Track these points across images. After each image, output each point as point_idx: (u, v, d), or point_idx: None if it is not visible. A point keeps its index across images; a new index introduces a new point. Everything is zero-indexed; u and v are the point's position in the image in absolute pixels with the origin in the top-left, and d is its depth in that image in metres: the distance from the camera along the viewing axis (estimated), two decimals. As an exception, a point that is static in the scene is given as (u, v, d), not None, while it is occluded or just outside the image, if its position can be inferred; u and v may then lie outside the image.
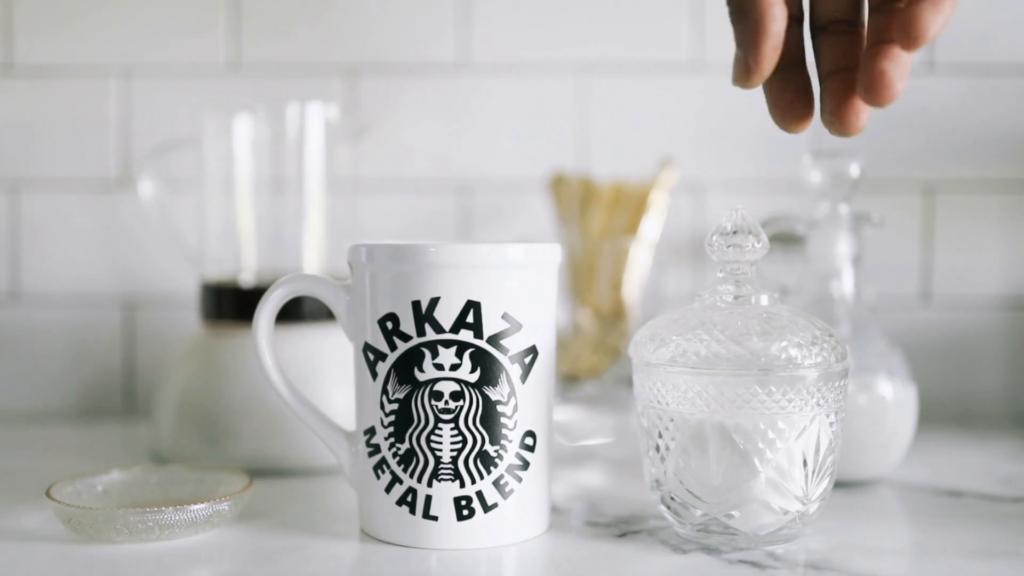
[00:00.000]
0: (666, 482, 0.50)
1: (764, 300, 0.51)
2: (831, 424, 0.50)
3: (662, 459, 0.50)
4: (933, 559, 0.49)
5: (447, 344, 0.50)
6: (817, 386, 0.49)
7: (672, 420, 0.50)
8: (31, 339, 0.87)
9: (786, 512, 0.49)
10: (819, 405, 0.49)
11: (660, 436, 0.50)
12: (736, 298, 0.51)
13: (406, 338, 0.50)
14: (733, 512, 0.49)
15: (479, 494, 0.50)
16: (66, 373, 0.88)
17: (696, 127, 0.87)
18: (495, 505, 0.51)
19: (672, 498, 0.51)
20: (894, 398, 0.63)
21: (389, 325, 0.50)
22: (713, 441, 0.49)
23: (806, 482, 0.49)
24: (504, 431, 0.50)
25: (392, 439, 0.51)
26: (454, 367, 0.50)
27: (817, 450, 0.49)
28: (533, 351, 0.51)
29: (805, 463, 0.49)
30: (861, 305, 0.64)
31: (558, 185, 0.82)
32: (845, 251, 0.64)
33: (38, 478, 0.63)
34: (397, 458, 0.51)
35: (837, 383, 0.50)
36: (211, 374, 0.68)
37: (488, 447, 0.50)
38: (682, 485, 0.50)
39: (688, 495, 0.50)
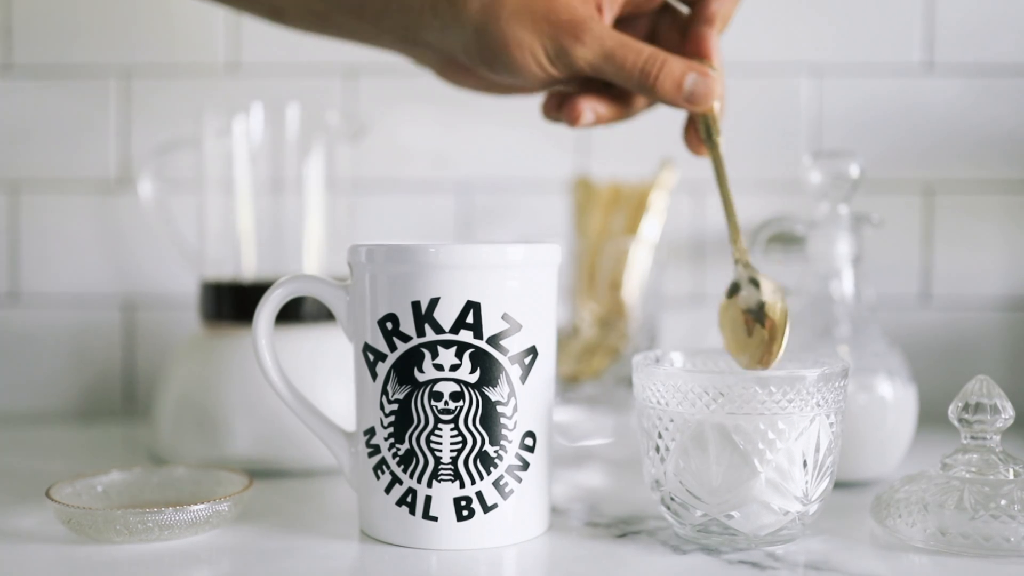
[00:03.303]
0: (666, 482, 0.50)
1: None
2: (831, 424, 0.50)
3: (662, 459, 0.50)
4: (934, 559, 0.49)
5: (447, 344, 0.50)
6: (817, 386, 0.49)
7: (672, 421, 0.50)
8: (31, 339, 0.87)
9: (786, 512, 0.49)
10: (819, 405, 0.49)
11: (660, 436, 0.50)
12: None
13: (406, 338, 0.50)
14: (733, 512, 0.49)
15: (479, 494, 0.50)
16: (66, 373, 0.88)
17: (696, 127, 0.87)
18: (495, 505, 0.51)
19: (672, 498, 0.50)
20: (894, 398, 0.63)
21: (389, 325, 0.50)
22: (713, 441, 0.48)
23: (806, 482, 0.49)
24: (504, 431, 0.50)
25: (392, 439, 0.51)
26: (454, 367, 0.50)
27: (817, 450, 0.49)
28: (533, 351, 0.51)
29: (805, 463, 0.49)
30: (861, 305, 0.64)
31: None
32: (845, 251, 0.64)
33: (38, 478, 0.63)
34: (397, 458, 0.51)
35: (837, 383, 0.50)
36: (211, 374, 0.68)
37: (488, 447, 0.50)
38: (682, 485, 0.50)
39: (688, 495, 0.50)
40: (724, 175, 0.57)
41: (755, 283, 0.55)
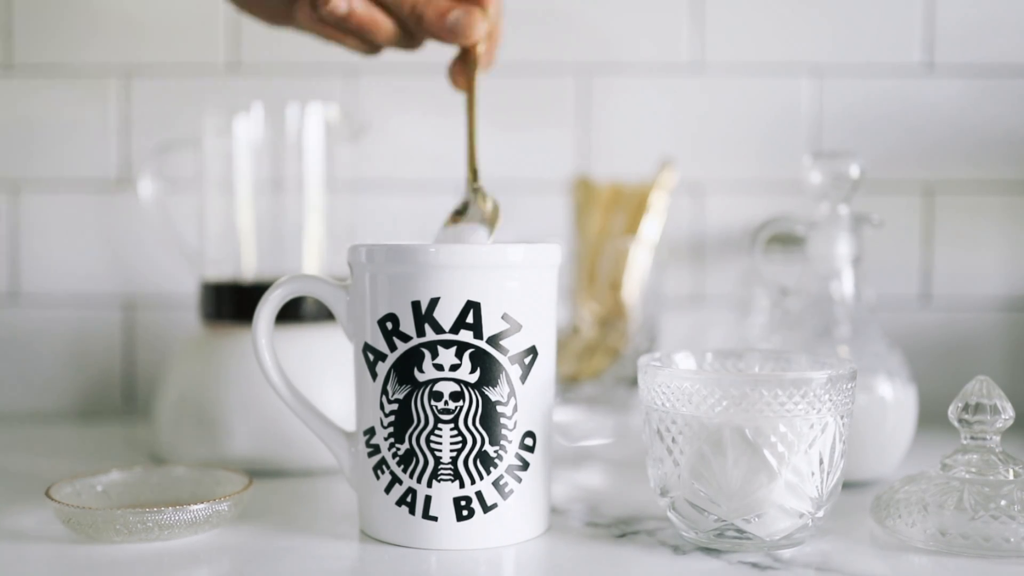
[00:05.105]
0: (679, 487, 0.50)
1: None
2: (844, 425, 0.50)
3: (675, 463, 0.50)
4: (934, 560, 0.49)
5: (447, 344, 0.50)
6: (825, 388, 0.48)
7: (688, 425, 0.49)
8: (31, 339, 0.87)
9: (801, 515, 0.49)
10: (834, 406, 0.49)
11: (674, 441, 0.50)
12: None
13: (406, 338, 0.50)
14: (750, 517, 0.49)
15: (479, 494, 0.50)
16: (66, 373, 0.88)
17: (696, 128, 0.87)
18: (495, 505, 0.51)
19: (687, 503, 0.50)
20: (894, 398, 0.63)
21: (389, 325, 0.50)
22: (732, 445, 0.48)
23: (822, 484, 0.49)
24: (504, 431, 0.50)
25: (392, 439, 0.51)
26: (454, 367, 0.50)
27: (832, 451, 0.49)
28: (533, 351, 0.51)
29: (822, 462, 0.49)
30: (861, 306, 0.64)
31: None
32: (845, 252, 0.64)
33: (38, 478, 0.63)
34: (397, 458, 0.51)
35: (847, 385, 0.50)
36: (210, 374, 0.68)
37: (488, 447, 0.50)
38: (698, 490, 0.49)
39: (705, 500, 0.49)
40: (474, 109, 0.61)
41: (484, 200, 0.58)
